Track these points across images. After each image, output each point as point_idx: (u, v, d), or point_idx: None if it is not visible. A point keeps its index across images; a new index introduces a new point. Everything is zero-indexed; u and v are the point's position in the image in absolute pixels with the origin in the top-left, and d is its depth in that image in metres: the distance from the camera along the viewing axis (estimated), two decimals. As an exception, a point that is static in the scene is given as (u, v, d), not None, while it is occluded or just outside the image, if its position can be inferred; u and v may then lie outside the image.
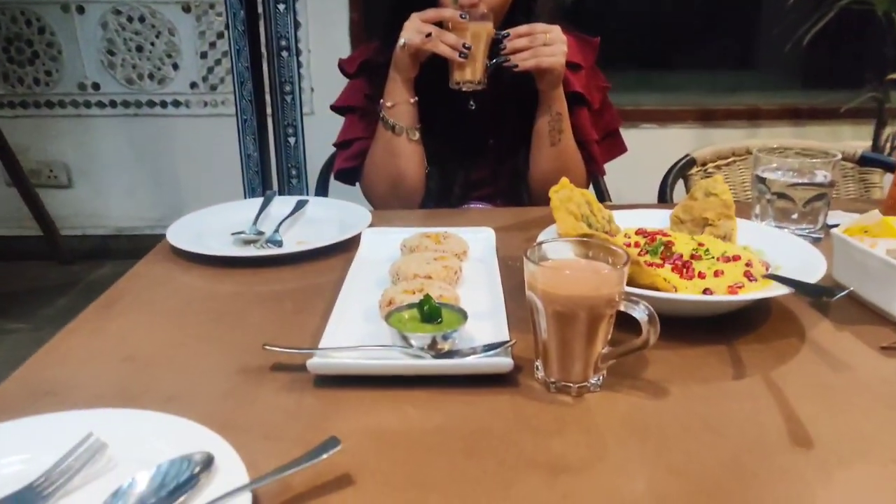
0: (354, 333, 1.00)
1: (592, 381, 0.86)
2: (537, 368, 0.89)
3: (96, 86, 4.09)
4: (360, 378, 0.89)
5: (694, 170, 2.04)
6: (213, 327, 1.08)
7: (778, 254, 1.16)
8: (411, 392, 0.87)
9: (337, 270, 1.26)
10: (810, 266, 1.06)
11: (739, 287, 1.02)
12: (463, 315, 0.96)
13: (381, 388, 0.88)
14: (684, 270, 1.06)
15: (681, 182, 2.04)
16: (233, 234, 1.43)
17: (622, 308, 0.82)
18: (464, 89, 1.57)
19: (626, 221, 1.31)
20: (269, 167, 2.99)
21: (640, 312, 0.81)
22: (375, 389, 0.88)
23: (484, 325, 1.00)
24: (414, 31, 1.54)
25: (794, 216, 1.39)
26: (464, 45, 1.52)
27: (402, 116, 1.64)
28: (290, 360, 0.94)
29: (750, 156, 2.07)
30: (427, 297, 0.96)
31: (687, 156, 2.05)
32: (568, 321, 0.82)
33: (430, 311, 0.95)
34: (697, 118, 3.93)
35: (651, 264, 1.08)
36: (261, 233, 1.45)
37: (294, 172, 2.97)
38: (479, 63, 1.58)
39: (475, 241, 1.33)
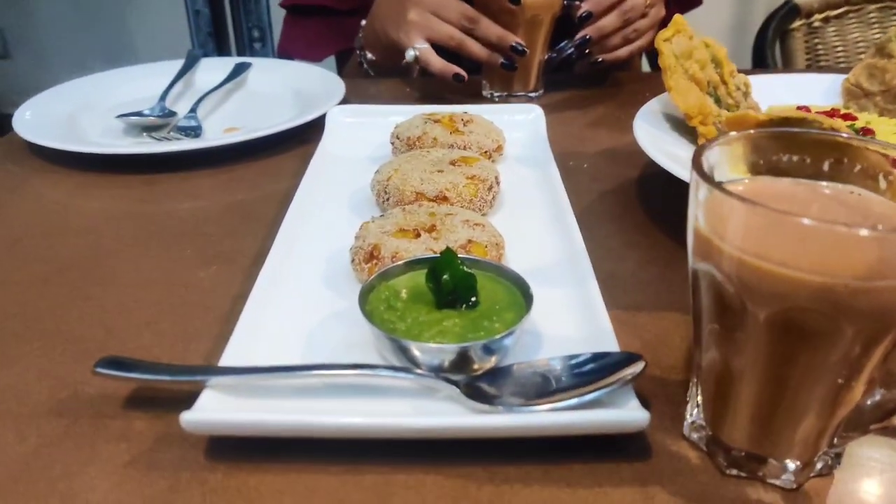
0: (304, 325, 0.51)
1: (819, 462, 0.38)
2: (691, 419, 0.41)
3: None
4: (305, 444, 0.41)
5: (797, 22, 1.47)
6: (43, 303, 0.58)
7: None
8: (418, 475, 0.40)
9: (285, 179, 0.76)
10: None
11: None
12: (521, 291, 0.47)
13: (353, 464, 0.40)
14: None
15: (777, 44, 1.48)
16: (119, 116, 0.89)
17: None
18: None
19: (762, 96, 0.78)
20: (226, 27, 2.37)
21: None
22: (339, 466, 0.40)
23: (559, 310, 0.51)
24: (429, 32, 0.93)
25: None
26: (514, 48, 0.92)
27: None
28: (163, 386, 0.45)
29: (874, 4, 1.50)
30: (448, 255, 0.46)
31: (788, 2, 1.47)
32: (808, 343, 0.33)
33: (453, 286, 0.46)
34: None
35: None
36: (170, 114, 0.92)
37: (256, 34, 2.36)
38: (535, 64, 0.98)
39: (515, 126, 0.81)
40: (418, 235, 0.54)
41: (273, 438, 0.41)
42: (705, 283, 0.36)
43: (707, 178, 0.34)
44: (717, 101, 0.71)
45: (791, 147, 0.40)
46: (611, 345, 0.46)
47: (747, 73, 0.79)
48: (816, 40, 1.51)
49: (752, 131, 0.39)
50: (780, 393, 0.36)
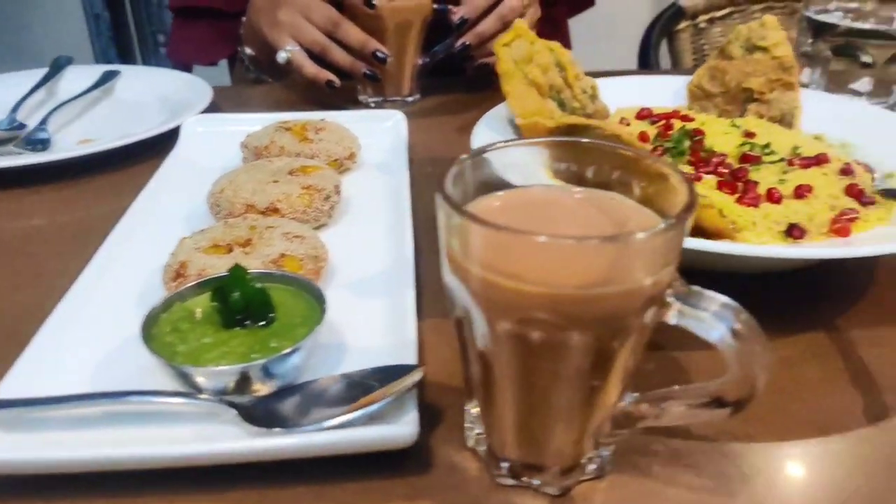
0: (100, 351, 0.49)
1: (591, 465, 0.39)
2: (470, 430, 0.41)
3: None
4: (84, 476, 0.39)
5: (683, 24, 1.51)
6: None
7: (874, 144, 0.68)
8: (201, 501, 0.38)
9: (132, 195, 0.73)
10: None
11: (851, 218, 0.54)
12: (322, 306, 0.46)
13: (135, 494, 0.39)
14: (741, 186, 0.57)
15: (664, 45, 1.52)
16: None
17: (674, 320, 0.33)
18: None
19: (613, 97, 0.80)
20: (128, 32, 2.30)
21: (719, 331, 0.32)
22: (121, 497, 0.39)
23: (372, 321, 0.51)
24: (297, 34, 0.92)
25: (862, 85, 0.91)
26: (375, 55, 0.91)
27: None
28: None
29: (758, 5, 1.56)
30: (236, 272, 0.45)
31: (673, 4, 1.51)
32: (547, 352, 0.33)
33: (245, 304, 0.44)
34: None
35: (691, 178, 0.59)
36: (19, 126, 0.88)
37: (161, 39, 2.29)
38: (407, 69, 0.97)
39: (372, 134, 0.81)
40: (231, 251, 0.53)
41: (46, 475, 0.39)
42: (454, 295, 0.36)
43: (445, 195, 0.34)
44: (562, 105, 0.72)
45: (580, 155, 0.40)
46: (410, 356, 0.45)
47: (634, 73, 0.80)
48: (703, 41, 1.55)
49: (502, 143, 0.39)
50: (533, 402, 0.36)
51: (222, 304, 0.44)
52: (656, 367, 0.48)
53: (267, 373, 0.42)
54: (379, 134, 0.82)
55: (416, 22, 0.93)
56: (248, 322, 0.45)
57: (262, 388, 0.42)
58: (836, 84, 0.93)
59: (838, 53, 0.92)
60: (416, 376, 0.41)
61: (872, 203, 0.56)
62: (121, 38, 2.23)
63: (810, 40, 0.93)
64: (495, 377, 0.36)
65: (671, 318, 0.33)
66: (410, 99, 1.00)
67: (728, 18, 1.60)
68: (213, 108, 0.91)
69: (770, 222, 0.53)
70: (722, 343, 0.32)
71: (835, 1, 0.92)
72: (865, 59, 0.90)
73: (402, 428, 0.39)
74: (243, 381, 0.42)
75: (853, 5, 0.91)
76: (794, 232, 0.52)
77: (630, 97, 0.80)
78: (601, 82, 0.79)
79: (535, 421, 0.37)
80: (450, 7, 0.97)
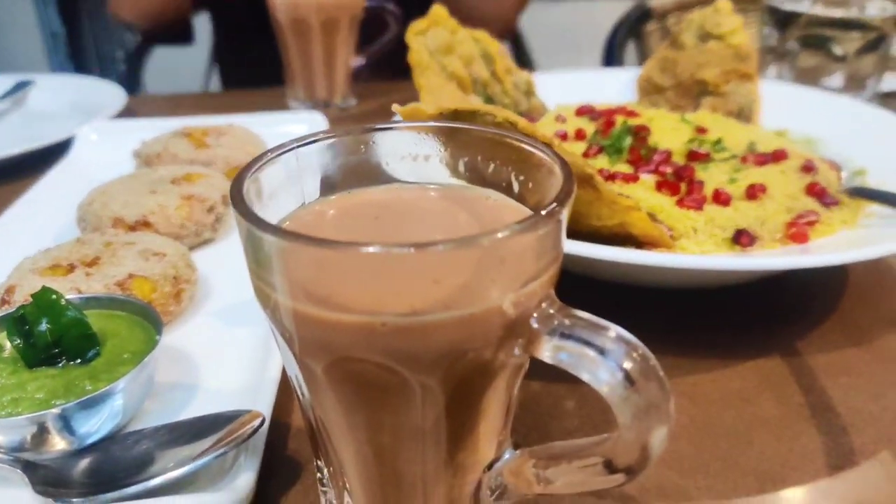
0: None
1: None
2: (324, 493, 0.32)
3: None
4: None
5: (652, 25, 1.44)
6: None
7: (843, 139, 0.60)
8: None
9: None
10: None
11: (811, 222, 0.46)
12: (147, 333, 0.38)
13: None
14: (683, 187, 0.49)
15: (632, 46, 1.45)
16: None
17: (548, 356, 0.24)
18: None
19: (557, 93, 0.72)
20: (86, 49, 2.22)
21: (605, 374, 0.23)
22: None
23: (235, 357, 0.42)
24: None
25: (831, 77, 0.83)
26: None
27: None
28: None
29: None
30: (43, 299, 0.36)
31: (641, 5, 1.44)
32: (380, 402, 0.25)
33: (55, 337, 0.36)
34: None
35: (612, 177, 0.50)
36: None
37: (121, 55, 2.21)
38: (339, 72, 0.89)
39: (286, 137, 0.72)
40: (71, 271, 0.44)
41: None
42: (270, 327, 0.27)
43: (238, 202, 0.25)
44: (490, 101, 0.64)
45: (452, 143, 0.32)
46: (265, 400, 0.36)
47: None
48: (673, 43, 1.48)
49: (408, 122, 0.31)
50: (380, 465, 0.27)
51: (22, 339, 0.35)
52: (576, 405, 0.40)
53: (67, 424, 0.33)
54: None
55: (342, 19, 0.86)
56: (62, 359, 0.36)
57: (64, 443, 0.34)
58: (807, 81, 0.86)
59: (807, 46, 0.84)
60: (254, 425, 0.32)
61: (836, 204, 0.48)
62: (79, 56, 2.16)
63: (776, 34, 0.85)
64: (329, 432, 0.27)
65: (543, 353, 0.24)
66: (344, 104, 0.92)
67: (700, 20, 1.53)
68: (129, 115, 0.83)
69: (715, 228, 0.45)
70: (609, 390, 0.23)
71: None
72: (836, 50, 0.83)
73: (228, 496, 0.30)
74: (39, 435, 0.33)
75: (821, -7, 0.83)
76: (742, 239, 0.44)
77: (574, 93, 0.72)
78: (540, 78, 0.72)
79: (387, 489, 0.28)
80: (385, 4, 0.90)
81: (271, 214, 0.28)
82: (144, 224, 0.52)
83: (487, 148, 0.30)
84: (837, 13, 0.82)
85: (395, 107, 0.38)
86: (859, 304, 0.47)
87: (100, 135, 0.73)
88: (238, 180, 0.26)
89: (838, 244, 0.43)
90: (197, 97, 0.98)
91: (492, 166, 0.30)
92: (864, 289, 0.49)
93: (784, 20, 0.84)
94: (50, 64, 2.18)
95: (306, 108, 0.91)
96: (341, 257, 0.22)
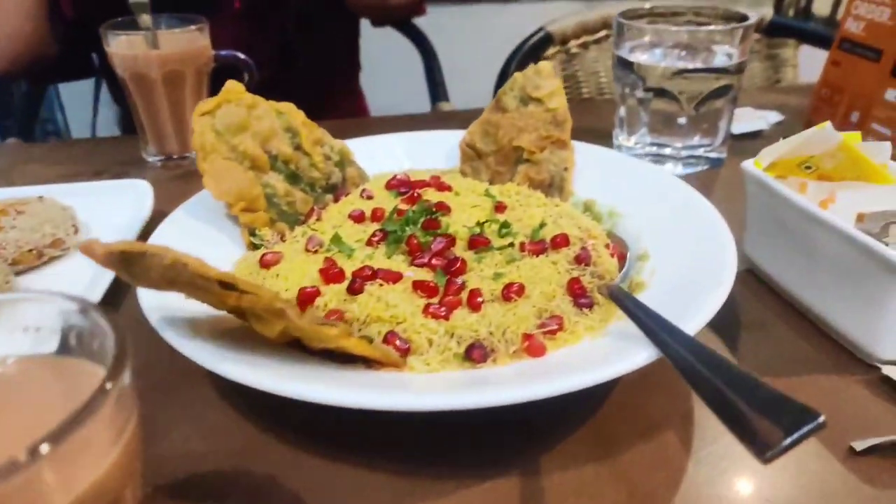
0: None
1: None
2: None
3: None
4: None
5: (552, 50, 1.43)
6: None
7: (640, 213, 0.59)
8: None
9: None
10: (708, 242, 0.50)
11: (552, 331, 0.45)
12: None
13: None
14: (441, 289, 0.47)
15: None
16: None
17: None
18: None
19: (383, 159, 0.70)
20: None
21: None
22: None
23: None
24: None
25: (682, 124, 0.83)
26: None
27: None
28: None
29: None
30: None
31: (541, 29, 1.43)
32: None
33: None
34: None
35: (373, 275, 0.49)
36: None
37: (50, 128, 2.16)
38: (189, 125, 0.85)
39: (108, 208, 0.70)
40: None
41: None
42: None
43: None
44: (295, 177, 0.62)
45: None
46: None
47: (422, 117, 0.71)
48: (576, 67, 1.48)
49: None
50: None
51: None
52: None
53: None
54: (116, 209, 0.71)
55: (187, 72, 0.83)
56: None
57: None
58: (662, 125, 0.85)
59: (658, 93, 0.84)
60: None
61: (590, 307, 0.47)
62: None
63: (625, 77, 0.85)
64: None
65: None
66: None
67: (605, 41, 1.52)
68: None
69: (451, 340, 0.43)
70: None
71: (648, 32, 0.84)
72: (684, 99, 0.82)
73: None
74: None
75: (670, 32, 0.82)
76: (473, 353, 0.42)
77: (404, 156, 0.71)
78: (365, 143, 0.70)
79: None
80: (236, 53, 0.87)
81: None
82: None
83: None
84: (686, 63, 0.82)
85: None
86: (607, 423, 0.45)
87: None
88: None
89: (568, 361, 0.41)
90: (49, 148, 0.95)
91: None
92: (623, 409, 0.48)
93: (630, 68, 0.84)
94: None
95: (161, 161, 0.88)
96: None
